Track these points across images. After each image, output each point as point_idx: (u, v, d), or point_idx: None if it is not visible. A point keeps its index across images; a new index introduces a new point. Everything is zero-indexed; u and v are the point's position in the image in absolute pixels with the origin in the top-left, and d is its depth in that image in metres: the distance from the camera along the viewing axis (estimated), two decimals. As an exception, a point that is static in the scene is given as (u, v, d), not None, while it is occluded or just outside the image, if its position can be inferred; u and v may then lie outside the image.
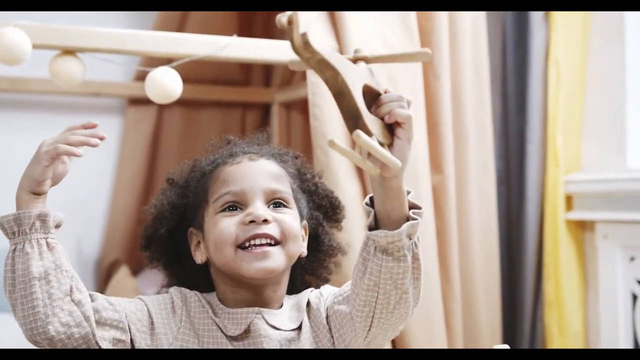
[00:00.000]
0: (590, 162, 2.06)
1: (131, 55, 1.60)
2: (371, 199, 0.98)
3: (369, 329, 1.02)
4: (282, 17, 0.83)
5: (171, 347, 1.05)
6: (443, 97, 1.80)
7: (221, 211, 1.09)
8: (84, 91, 2.28)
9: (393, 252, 0.96)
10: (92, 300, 1.02)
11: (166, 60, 1.56)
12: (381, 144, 0.90)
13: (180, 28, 2.31)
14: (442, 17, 1.80)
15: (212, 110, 2.51)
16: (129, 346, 1.03)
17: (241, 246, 1.07)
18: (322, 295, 1.13)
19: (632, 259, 1.92)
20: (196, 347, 1.06)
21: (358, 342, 1.05)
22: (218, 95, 2.50)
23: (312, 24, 1.62)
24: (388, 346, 1.60)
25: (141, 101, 2.37)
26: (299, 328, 1.09)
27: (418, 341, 1.68)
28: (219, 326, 1.07)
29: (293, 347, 1.07)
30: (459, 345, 1.81)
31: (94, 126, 1.03)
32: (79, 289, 1.01)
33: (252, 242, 1.06)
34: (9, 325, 1.91)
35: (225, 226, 1.07)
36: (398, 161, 0.89)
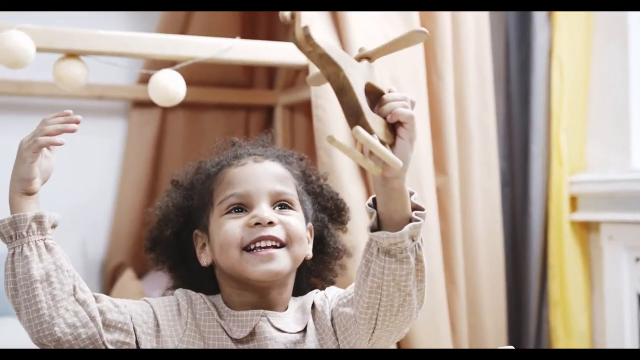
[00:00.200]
0: (594, 163, 2.05)
1: (134, 58, 1.60)
2: (374, 200, 0.98)
3: (373, 331, 1.02)
4: (286, 12, 0.83)
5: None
6: (446, 97, 1.80)
7: (226, 213, 1.09)
8: (87, 94, 2.28)
9: (396, 254, 0.96)
10: (97, 302, 1.02)
11: (169, 63, 1.56)
12: (382, 143, 0.90)
13: (184, 30, 2.31)
14: (444, 18, 1.80)
15: (215, 112, 2.51)
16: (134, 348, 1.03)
17: (246, 248, 1.06)
18: (326, 297, 1.12)
19: (638, 259, 1.91)
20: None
21: (362, 345, 1.05)
22: (221, 98, 2.50)
23: (314, 22, 1.62)
24: (393, 347, 1.60)
25: (145, 104, 2.37)
26: (304, 330, 1.09)
27: (423, 343, 1.68)
28: (224, 329, 1.07)
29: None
30: (464, 346, 1.81)
31: (68, 114, 1.02)
32: (82, 289, 1.01)
33: (258, 245, 1.06)
34: (13, 328, 1.92)
35: (231, 228, 1.07)
36: (399, 161, 0.89)
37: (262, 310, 1.08)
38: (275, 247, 1.07)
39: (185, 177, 1.20)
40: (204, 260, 1.13)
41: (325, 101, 1.61)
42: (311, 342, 1.08)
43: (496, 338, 1.90)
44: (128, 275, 2.24)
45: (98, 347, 1.00)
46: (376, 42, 1.66)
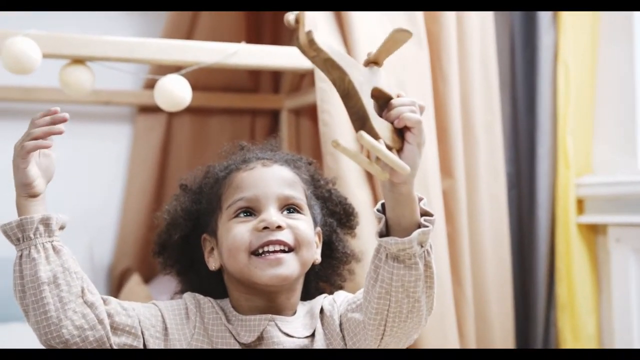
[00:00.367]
0: (601, 165, 2.05)
1: (140, 63, 1.61)
2: (383, 205, 0.98)
3: (382, 338, 1.02)
4: (290, 16, 0.83)
5: (184, 355, 1.05)
6: (452, 101, 1.80)
7: (234, 217, 1.09)
8: (93, 100, 2.28)
9: (404, 260, 0.95)
10: (105, 304, 1.02)
11: (175, 68, 1.57)
12: (389, 148, 0.90)
13: (189, 35, 2.32)
14: (449, 21, 1.80)
15: (221, 117, 2.52)
16: None
17: (255, 253, 1.06)
18: (335, 302, 1.12)
19: (645, 261, 1.90)
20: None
21: None
22: (227, 103, 2.50)
23: (318, 26, 1.62)
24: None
25: (151, 109, 2.38)
26: (312, 335, 1.09)
27: (430, 346, 1.67)
28: (232, 333, 1.07)
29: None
30: (472, 350, 1.80)
31: (55, 112, 1.01)
32: (91, 291, 1.01)
33: (266, 249, 1.06)
34: (17, 333, 1.92)
35: (239, 232, 1.07)
36: (406, 166, 0.88)
37: (270, 314, 1.08)
38: (283, 251, 1.06)
39: (193, 181, 1.20)
40: (212, 264, 1.13)
41: (331, 105, 1.61)
42: (319, 347, 1.08)
43: (504, 341, 1.89)
44: (135, 280, 2.25)
45: None
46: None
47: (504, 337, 1.89)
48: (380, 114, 0.92)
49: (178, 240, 1.15)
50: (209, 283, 1.14)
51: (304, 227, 1.09)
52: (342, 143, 0.83)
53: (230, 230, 1.08)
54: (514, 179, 2.09)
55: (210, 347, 1.06)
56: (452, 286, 1.75)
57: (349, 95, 0.88)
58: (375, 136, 0.88)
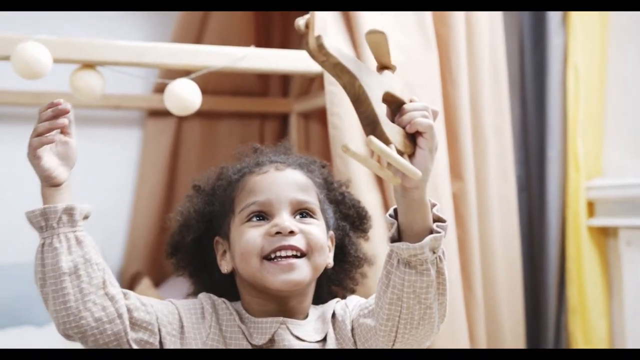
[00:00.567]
0: (611, 168, 2.03)
1: (150, 67, 1.61)
2: (395, 210, 0.97)
3: (393, 344, 1.01)
4: (300, 20, 0.83)
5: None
6: (462, 104, 1.79)
7: (247, 221, 1.09)
8: (104, 104, 2.29)
9: (416, 266, 0.95)
10: (125, 299, 1.02)
11: (185, 72, 1.57)
12: (400, 153, 0.89)
13: (198, 40, 2.32)
14: (458, 23, 1.80)
15: (230, 121, 2.52)
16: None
17: (267, 257, 1.06)
18: (347, 307, 1.12)
19: (657, 264, 1.89)
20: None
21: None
22: (236, 106, 2.51)
23: (328, 26, 1.62)
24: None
25: (160, 113, 2.39)
26: (324, 340, 1.09)
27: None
28: (244, 334, 1.07)
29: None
30: (482, 353, 1.79)
31: (57, 104, 1.01)
32: (112, 283, 1.01)
33: (278, 254, 1.06)
34: (16, 340, 1.93)
35: (251, 237, 1.07)
36: (417, 171, 0.88)
37: (282, 317, 1.08)
38: (295, 256, 1.06)
39: (206, 182, 1.20)
40: (225, 267, 1.13)
41: (341, 108, 1.61)
42: (331, 352, 1.08)
43: (514, 344, 1.88)
44: (145, 284, 2.25)
45: (122, 345, 1.00)
46: (390, 48, 1.68)
47: (514, 340, 1.88)
48: (392, 118, 0.91)
49: (191, 242, 1.15)
50: (221, 285, 1.14)
51: (317, 232, 1.09)
52: (351, 147, 0.82)
53: (242, 234, 1.08)
54: (523, 182, 2.08)
55: (224, 347, 1.06)
56: (462, 289, 1.75)
57: (359, 100, 0.87)
58: (386, 141, 0.87)
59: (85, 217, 1.03)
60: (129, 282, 2.37)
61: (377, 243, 1.52)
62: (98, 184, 2.38)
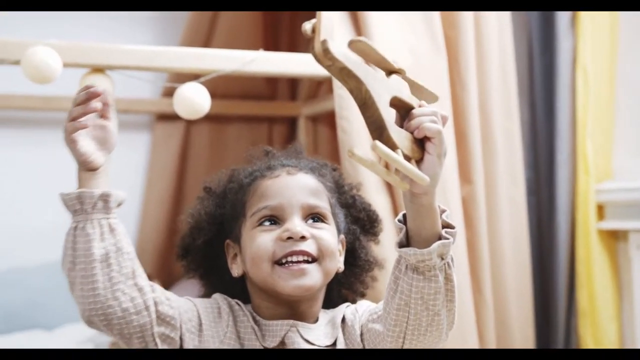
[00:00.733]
0: (621, 170, 2.03)
1: (159, 71, 1.61)
2: (404, 215, 0.97)
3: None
4: (307, 25, 0.83)
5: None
6: (470, 107, 1.79)
7: (258, 225, 1.09)
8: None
9: (424, 272, 0.95)
10: (152, 291, 1.02)
11: (193, 76, 1.57)
12: (408, 158, 0.89)
13: (207, 43, 2.33)
14: (467, 26, 1.79)
15: (239, 124, 2.52)
16: (177, 344, 1.03)
17: (278, 262, 1.06)
18: (357, 312, 1.11)
19: (668, 267, 1.88)
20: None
21: None
22: (245, 110, 2.51)
23: (335, 28, 1.62)
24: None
25: (169, 117, 2.39)
26: (334, 344, 1.09)
27: (450, 353, 1.67)
28: (257, 335, 1.07)
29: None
30: (492, 357, 1.79)
31: (90, 87, 1.01)
32: (140, 274, 1.01)
33: (289, 259, 1.06)
34: (20, 344, 1.94)
35: (263, 242, 1.07)
36: (425, 176, 0.87)
37: (292, 320, 1.08)
38: (307, 261, 1.06)
39: (218, 185, 1.19)
40: (235, 271, 1.13)
41: (349, 112, 1.60)
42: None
43: (524, 348, 1.87)
44: (154, 288, 2.25)
45: (146, 337, 1.00)
46: (398, 50, 1.68)
47: (524, 344, 1.88)
48: (401, 123, 0.91)
49: (201, 245, 1.15)
50: (232, 288, 1.14)
51: (328, 237, 1.09)
52: (357, 152, 0.82)
53: (254, 238, 1.08)
54: (533, 185, 2.07)
55: (239, 347, 1.06)
56: (471, 292, 1.74)
57: (366, 104, 0.87)
58: (393, 146, 0.87)
59: (119, 204, 1.02)
60: (138, 286, 2.37)
61: (387, 246, 1.52)
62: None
